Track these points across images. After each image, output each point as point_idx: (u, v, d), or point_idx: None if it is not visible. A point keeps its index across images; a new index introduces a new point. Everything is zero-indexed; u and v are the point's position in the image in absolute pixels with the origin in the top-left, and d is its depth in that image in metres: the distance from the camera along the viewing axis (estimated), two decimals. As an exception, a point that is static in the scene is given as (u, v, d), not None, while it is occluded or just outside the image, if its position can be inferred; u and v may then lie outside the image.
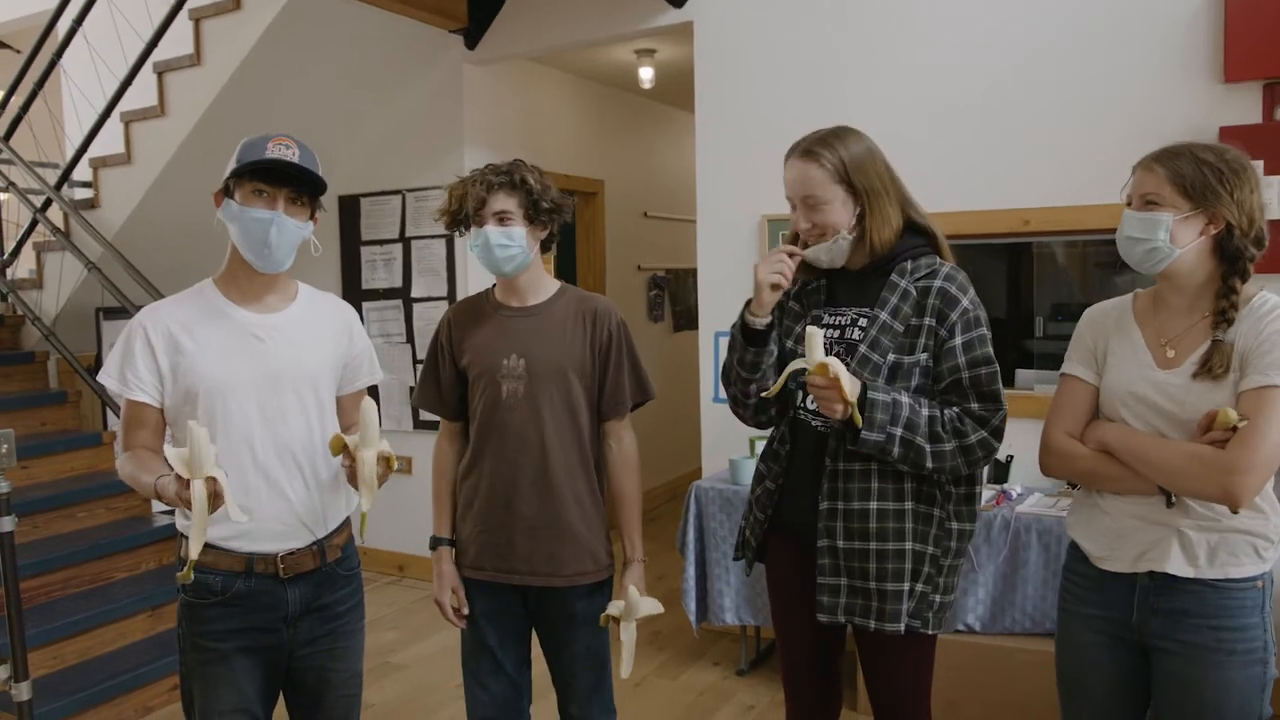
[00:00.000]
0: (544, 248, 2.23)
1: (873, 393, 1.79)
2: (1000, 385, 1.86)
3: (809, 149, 1.88)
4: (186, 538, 1.92)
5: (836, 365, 1.72)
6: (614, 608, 2.15)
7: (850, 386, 1.74)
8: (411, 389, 4.90)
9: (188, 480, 1.64)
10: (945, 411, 1.83)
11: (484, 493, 2.18)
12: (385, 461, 1.83)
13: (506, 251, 2.12)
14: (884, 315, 1.86)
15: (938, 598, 1.90)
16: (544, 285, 2.23)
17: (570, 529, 2.16)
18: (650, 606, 2.15)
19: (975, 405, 1.84)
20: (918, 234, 1.93)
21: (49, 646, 3.33)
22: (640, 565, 2.22)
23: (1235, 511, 1.67)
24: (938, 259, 1.91)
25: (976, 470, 1.89)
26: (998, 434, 1.85)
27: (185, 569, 1.74)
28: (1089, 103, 3.27)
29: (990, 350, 1.86)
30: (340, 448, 1.84)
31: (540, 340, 2.16)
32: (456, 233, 2.22)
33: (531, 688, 2.31)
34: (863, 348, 1.86)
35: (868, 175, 1.87)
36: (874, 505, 1.86)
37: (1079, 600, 1.89)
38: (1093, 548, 1.85)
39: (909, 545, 1.86)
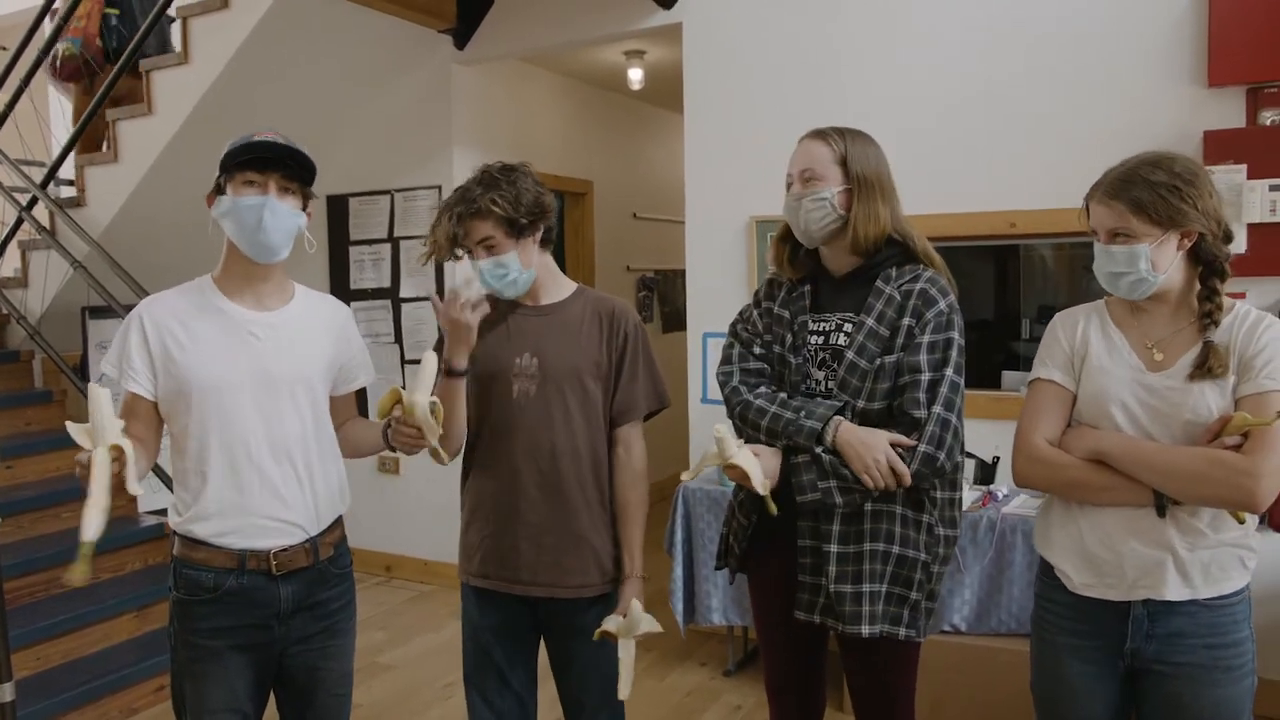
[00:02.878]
0: (544, 245, 2.12)
1: (794, 457, 1.83)
2: (959, 396, 1.83)
3: (821, 131, 1.96)
4: (178, 535, 1.92)
5: (745, 460, 1.77)
6: (611, 623, 2.02)
7: (761, 475, 1.78)
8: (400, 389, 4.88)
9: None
10: None
11: (490, 496, 2.10)
12: (434, 412, 1.86)
13: (505, 279, 2.04)
14: (870, 321, 1.87)
15: (924, 604, 1.91)
16: (559, 284, 2.16)
17: (578, 537, 2.07)
18: (649, 624, 2.01)
19: (923, 412, 1.80)
20: (901, 246, 1.93)
21: (33, 647, 3.31)
22: (639, 581, 2.09)
23: (1242, 521, 1.66)
24: (921, 265, 1.92)
25: (926, 485, 1.85)
26: (940, 444, 1.79)
27: (79, 561, 1.57)
28: (1075, 106, 3.29)
29: (955, 355, 1.82)
30: (394, 402, 1.87)
31: (555, 340, 2.09)
32: (453, 258, 2.09)
33: (537, 709, 2.21)
34: (850, 354, 1.86)
35: (866, 167, 1.91)
36: (863, 506, 1.85)
37: (1060, 630, 1.82)
38: (1078, 576, 1.78)
39: (896, 549, 1.86)
